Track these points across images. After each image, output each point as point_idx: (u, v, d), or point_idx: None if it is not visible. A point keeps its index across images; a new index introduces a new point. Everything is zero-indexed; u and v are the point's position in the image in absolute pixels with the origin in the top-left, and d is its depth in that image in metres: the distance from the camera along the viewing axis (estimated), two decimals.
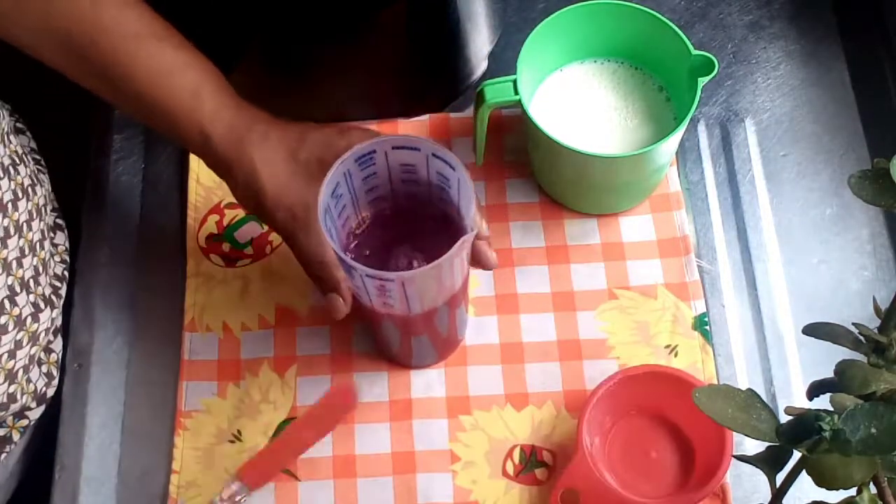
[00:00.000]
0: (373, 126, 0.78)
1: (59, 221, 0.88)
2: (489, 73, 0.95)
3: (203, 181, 0.89)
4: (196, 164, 0.90)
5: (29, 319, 0.78)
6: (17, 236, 0.76)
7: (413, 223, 0.74)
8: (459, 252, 0.65)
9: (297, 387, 0.83)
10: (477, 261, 0.74)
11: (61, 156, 0.95)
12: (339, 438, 0.81)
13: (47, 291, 0.81)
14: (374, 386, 0.83)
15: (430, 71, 0.96)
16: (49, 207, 0.86)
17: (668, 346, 0.83)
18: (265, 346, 0.84)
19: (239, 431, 0.81)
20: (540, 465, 0.80)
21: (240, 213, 0.89)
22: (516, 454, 0.80)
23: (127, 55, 0.73)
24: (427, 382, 0.83)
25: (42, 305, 0.80)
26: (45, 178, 0.86)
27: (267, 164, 0.72)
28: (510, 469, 0.80)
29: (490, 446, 0.81)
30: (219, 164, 0.74)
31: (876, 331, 0.57)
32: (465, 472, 0.80)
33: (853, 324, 0.57)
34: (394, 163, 0.69)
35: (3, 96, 0.82)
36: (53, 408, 0.83)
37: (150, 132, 0.93)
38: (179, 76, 0.73)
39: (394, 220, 0.74)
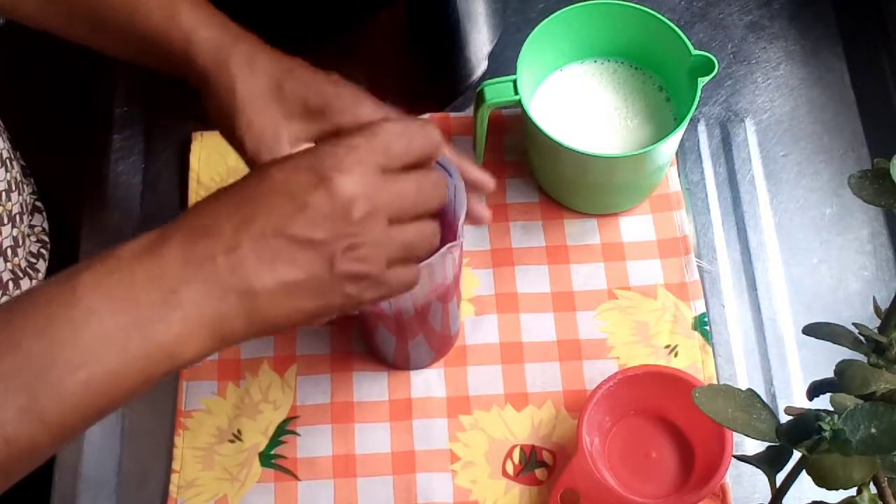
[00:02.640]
0: None
1: (38, 204, 0.88)
2: (489, 73, 0.94)
3: (203, 181, 0.89)
4: (196, 164, 0.90)
5: (10, 285, 0.79)
6: None
7: None
8: (444, 258, 0.65)
9: (297, 386, 0.83)
10: (470, 217, 0.73)
11: (61, 156, 0.95)
12: (338, 438, 0.81)
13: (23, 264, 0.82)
14: (373, 385, 0.83)
15: (430, 71, 0.96)
16: (28, 188, 0.86)
17: (668, 346, 0.83)
18: (265, 346, 0.84)
19: (239, 431, 0.81)
20: (540, 465, 0.80)
21: None
22: (516, 454, 0.80)
23: None
24: (427, 382, 0.83)
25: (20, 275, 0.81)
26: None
27: (247, 84, 0.69)
28: (510, 469, 0.80)
29: (490, 446, 0.81)
30: (197, 80, 0.71)
31: (876, 331, 0.57)
32: (465, 471, 0.80)
33: (853, 324, 0.57)
34: None
35: (2, 95, 0.82)
36: None
37: (150, 132, 0.93)
38: None
39: None
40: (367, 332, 0.80)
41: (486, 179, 0.74)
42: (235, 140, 0.70)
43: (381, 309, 0.71)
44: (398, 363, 0.83)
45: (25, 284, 0.81)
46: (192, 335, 0.57)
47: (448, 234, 0.69)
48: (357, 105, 0.69)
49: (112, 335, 0.55)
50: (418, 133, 0.61)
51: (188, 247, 0.56)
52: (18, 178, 0.82)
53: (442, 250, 0.64)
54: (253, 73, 0.69)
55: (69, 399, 0.55)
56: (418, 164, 0.61)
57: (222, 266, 0.56)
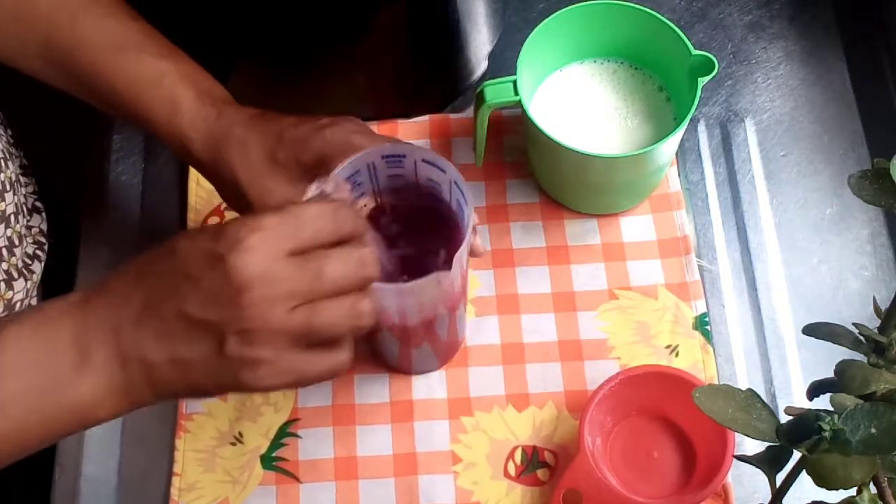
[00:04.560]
0: (373, 126, 0.77)
1: (38, 204, 0.88)
2: (489, 73, 0.95)
3: (203, 183, 0.89)
4: None
5: (2, 286, 0.79)
6: None
7: (403, 223, 0.73)
8: (455, 267, 0.65)
9: (297, 389, 0.83)
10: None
11: (61, 155, 0.95)
12: (340, 440, 0.81)
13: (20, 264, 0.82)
14: (374, 388, 0.83)
15: (430, 71, 0.96)
16: (29, 188, 0.86)
17: (668, 347, 0.83)
18: None
19: (240, 433, 0.81)
20: (541, 465, 0.80)
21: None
22: (518, 455, 0.80)
23: (105, 67, 0.74)
24: (428, 384, 0.83)
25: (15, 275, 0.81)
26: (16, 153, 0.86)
27: (246, 168, 0.72)
28: (512, 470, 0.80)
29: (491, 447, 0.81)
30: (203, 170, 0.75)
31: (876, 331, 0.57)
32: (467, 473, 0.80)
33: (853, 324, 0.57)
34: (382, 168, 0.70)
35: (2, 95, 0.82)
36: None
37: (150, 137, 0.93)
38: (158, 87, 0.73)
39: (381, 219, 0.73)
40: (371, 337, 0.80)
41: (479, 245, 0.74)
42: None
43: (386, 316, 0.71)
44: (402, 368, 0.83)
45: (20, 286, 0.81)
46: (102, 400, 0.59)
47: (447, 226, 0.70)
48: (347, 144, 0.70)
49: (24, 395, 0.58)
50: (333, 216, 0.60)
51: (105, 314, 0.59)
52: (14, 179, 0.82)
53: (431, 277, 0.64)
54: (247, 155, 0.72)
55: None
56: (343, 241, 0.60)
57: (128, 337, 0.59)
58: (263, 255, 0.56)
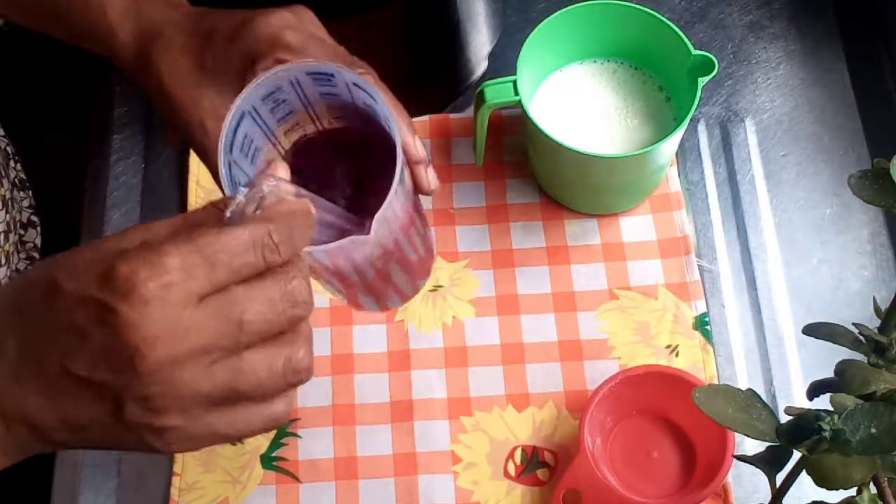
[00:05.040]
0: None
1: (34, 218, 0.88)
2: (489, 73, 0.95)
3: (203, 183, 0.89)
4: (196, 167, 0.90)
5: None
6: None
7: (343, 148, 0.64)
8: (398, 201, 0.58)
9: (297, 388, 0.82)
10: (418, 186, 0.66)
11: (61, 156, 0.95)
12: (340, 440, 0.81)
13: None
14: (374, 388, 0.83)
15: (430, 71, 0.96)
16: (25, 202, 0.86)
17: (668, 347, 0.83)
18: None
19: None
20: (541, 465, 0.80)
21: None
22: (518, 455, 0.81)
23: None
24: (428, 384, 0.83)
25: None
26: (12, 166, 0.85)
27: (173, 74, 0.65)
28: (511, 470, 0.80)
29: (491, 447, 0.81)
30: (133, 75, 0.68)
31: (876, 331, 0.57)
32: (467, 473, 0.80)
33: (853, 324, 0.57)
34: (310, 87, 0.60)
35: (2, 99, 0.82)
36: None
37: (150, 132, 0.93)
38: None
39: (318, 145, 0.64)
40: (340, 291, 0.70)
41: (429, 183, 0.66)
42: (185, 134, 0.66)
43: (337, 270, 0.62)
44: (382, 306, 0.75)
45: (2, 272, 0.81)
46: None
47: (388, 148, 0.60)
48: (276, 42, 0.62)
49: None
50: (259, 249, 0.48)
51: None
52: (8, 196, 0.81)
53: (345, 241, 0.54)
54: (174, 60, 0.65)
55: None
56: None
57: (6, 393, 0.49)
58: (166, 305, 0.45)
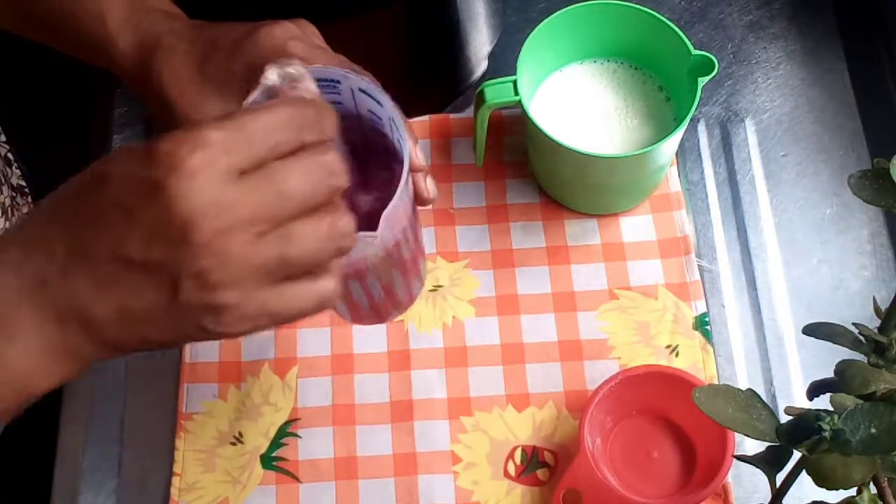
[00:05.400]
0: None
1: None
2: (489, 73, 0.95)
3: None
4: None
5: None
6: None
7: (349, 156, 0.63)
8: (402, 209, 0.59)
9: (297, 388, 0.83)
10: (418, 198, 0.66)
11: (61, 156, 0.95)
12: (340, 440, 0.81)
13: None
14: (374, 387, 0.83)
15: (430, 71, 0.96)
16: (24, 208, 0.86)
17: (668, 347, 0.83)
18: (266, 348, 0.84)
19: (240, 433, 0.81)
20: (541, 465, 0.80)
21: None
22: (518, 455, 0.81)
23: None
24: (428, 384, 0.83)
25: None
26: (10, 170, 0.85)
27: (174, 82, 0.65)
28: (511, 470, 0.80)
29: (491, 447, 0.81)
30: (131, 83, 0.68)
31: (876, 331, 0.57)
32: (467, 473, 0.80)
33: (853, 324, 0.57)
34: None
35: (3, 99, 0.82)
36: (53, 408, 0.84)
37: (151, 132, 0.93)
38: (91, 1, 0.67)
39: None
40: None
41: (428, 193, 0.66)
42: None
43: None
44: (380, 311, 0.74)
45: None
46: (40, 367, 0.50)
47: (387, 174, 0.62)
48: (281, 52, 0.62)
49: None
50: (292, 123, 0.50)
51: (20, 267, 0.50)
52: (7, 204, 0.81)
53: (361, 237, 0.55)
54: (176, 67, 0.65)
55: None
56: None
57: (57, 291, 0.49)
58: (212, 178, 0.47)
